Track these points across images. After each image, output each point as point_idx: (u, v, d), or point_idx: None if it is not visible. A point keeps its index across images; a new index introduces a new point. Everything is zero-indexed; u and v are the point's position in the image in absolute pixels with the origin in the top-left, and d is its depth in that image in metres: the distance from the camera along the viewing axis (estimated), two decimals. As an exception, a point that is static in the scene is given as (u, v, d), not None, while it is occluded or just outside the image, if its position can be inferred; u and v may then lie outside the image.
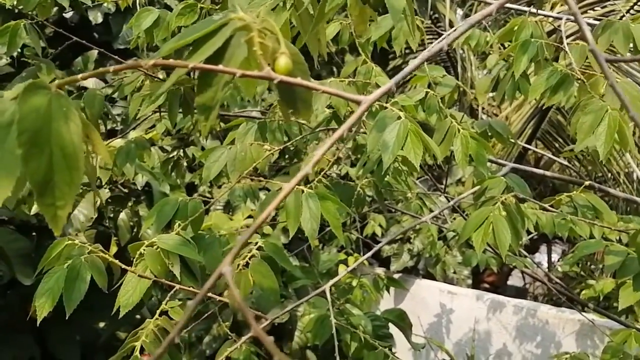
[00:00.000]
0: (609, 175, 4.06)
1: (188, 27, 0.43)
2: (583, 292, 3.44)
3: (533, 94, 1.24)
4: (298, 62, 0.41)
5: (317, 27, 0.62)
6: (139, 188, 2.33)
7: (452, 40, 0.45)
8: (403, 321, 2.07)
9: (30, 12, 1.45)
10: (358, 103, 0.39)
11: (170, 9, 3.24)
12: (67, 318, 1.00)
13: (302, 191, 1.15)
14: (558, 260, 5.69)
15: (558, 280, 2.32)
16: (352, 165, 3.44)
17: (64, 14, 3.08)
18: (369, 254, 1.39)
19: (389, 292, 2.41)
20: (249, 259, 1.09)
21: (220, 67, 0.39)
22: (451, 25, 4.13)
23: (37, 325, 1.05)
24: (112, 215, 2.33)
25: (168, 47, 0.43)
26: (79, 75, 0.44)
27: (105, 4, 2.83)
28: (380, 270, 4.08)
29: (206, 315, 1.65)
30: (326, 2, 0.56)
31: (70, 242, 1.10)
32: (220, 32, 0.41)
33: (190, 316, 0.34)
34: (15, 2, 1.36)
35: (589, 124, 1.06)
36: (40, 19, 1.41)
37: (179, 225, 1.19)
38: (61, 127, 0.42)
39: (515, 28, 1.31)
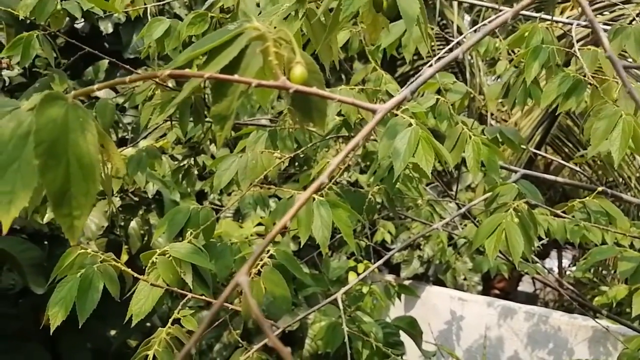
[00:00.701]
0: (620, 180, 4.03)
1: (203, 37, 0.43)
2: (596, 298, 3.41)
3: (545, 101, 1.24)
4: (313, 71, 0.41)
5: (329, 36, 0.62)
6: (150, 196, 2.34)
7: (467, 48, 0.45)
8: (414, 328, 2.06)
9: (42, 23, 1.46)
10: (373, 112, 0.39)
11: (180, 18, 3.27)
12: (81, 327, 1.00)
13: (314, 199, 1.15)
14: (569, 266, 5.65)
15: (570, 287, 2.30)
16: (362, 172, 3.44)
17: (75, 25, 3.11)
18: (380, 261, 1.39)
19: (399, 299, 2.40)
20: (261, 267, 1.09)
21: (236, 77, 0.39)
22: (459, 31, 4.13)
23: (49, 333, 1.05)
24: (123, 223, 2.34)
25: (183, 57, 0.43)
26: (95, 86, 0.45)
27: (115, 14, 2.85)
28: (390, 277, 4.06)
29: (217, 323, 1.65)
30: (339, 12, 0.56)
31: (82, 251, 1.11)
32: (235, 41, 0.41)
33: (207, 326, 0.33)
34: (28, 14, 1.37)
35: (603, 129, 1.05)
36: (53, 30, 1.43)
37: (191, 233, 1.19)
38: (78, 138, 0.42)
39: (526, 34, 1.31)
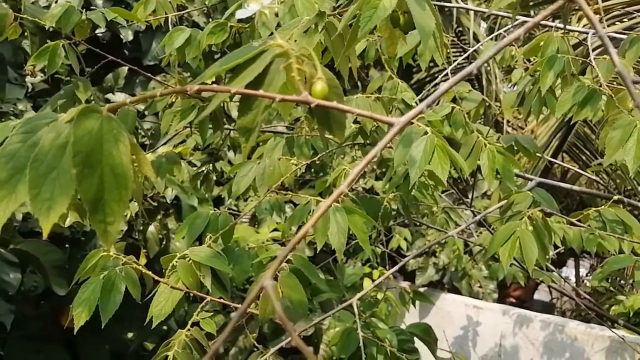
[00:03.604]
0: (639, 188, 3.99)
1: (229, 53, 0.45)
2: (612, 307, 3.37)
3: (560, 110, 1.24)
4: (333, 86, 0.44)
5: (348, 50, 0.64)
6: (168, 201, 2.38)
7: (482, 63, 0.47)
8: (429, 335, 2.06)
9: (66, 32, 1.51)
10: (391, 125, 0.41)
11: (199, 26, 3.31)
12: (100, 327, 1.03)
13: (330, 205, 1.17)
14: (586, 275, 5.59)
15: (586, 296, 2.29)
16: (377, 178, 3.45)
17: (96, 32, 3.18)
18: (395, 268, 1.40)
19: (414, 306, 2.41)
20: (278, 271, 1.11)
21: (261, 92, 0.41)
22: (475, 38, 4.13)
23: (70, 334, 1.08)
24: (141, 227, 2.38)
25: (211, 72, 0.46)
26: (128, 100, 0.47)
27: (136, 22, 2.90)
28: (405, 284, 4.06)
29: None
30: (358, 27, 0.58)
31: (105, 253, 1.14)
32: (260, 58, 0.43)
33: (233, 329, 0.36)
34: (54, 24, 1.41)
35: (617, 139, 1.06)
36: (78, 40, 1.47)
37: (210, 238, 1.22)
38: (112, 149, 0.45)
39: (541, 44, 1.32)
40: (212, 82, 0.57)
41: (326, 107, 0.41)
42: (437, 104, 1.52)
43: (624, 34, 1.43)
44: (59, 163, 0.44)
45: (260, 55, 0.44)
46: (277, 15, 1.35)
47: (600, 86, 1.25)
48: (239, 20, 1.48)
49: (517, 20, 1.48)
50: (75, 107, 0.46)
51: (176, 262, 1.10)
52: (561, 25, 1.34)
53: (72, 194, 0.43)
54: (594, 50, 1.44)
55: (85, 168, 0.44)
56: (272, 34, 0.94)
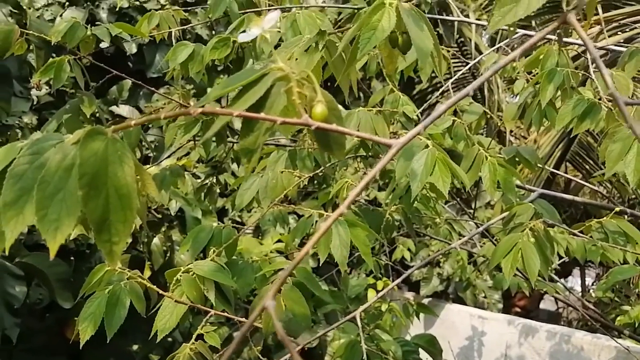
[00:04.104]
0: (643, 197, 3.98)
1: (232, 75, 0.47)
2: (618, 318, 3.36)
3: (560, 123, 1.25)
4: (333, 108, 0.45)
5: (348, 69, 0.65)
6: (172, 213, 2.39)
7: (480, 83, 0.48)
8: (433, 347, 2.06)
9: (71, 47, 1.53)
10: (389, 146, 0.42)
11: (202, 38, 3.32)
12: (105, 340, 1.04)
13: (330, 225, 1.18)
14: (592, 284, 5.56)
15: (591, 306, 2.28)
16: (380, 189, 3.46)
17: (100, 45, 3.21)
18: (399, 279, 1.41)
19: (418, 318, 2.40)
20: (281, 285, 1.11)
21: (263, 115, 0.43)
22: (477, 49, 4.15)
23: (75, 347, 1.09)
24: (145, 240, 2.39)
25: (215, 94, 0.47)
26: (132, 122, 0.48)
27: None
28: (409, 295, 4.05)
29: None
30: (358, 48, 0.59)
31: (110, 267, 1.15)
32: (261, 81, 0.45)
33: (239, 344, 0.37)
34: (60, 39, 1.43)
35: (617, 152, 1.07)
36: (83, 54, 1.49)
37: (214, 251, 1.22)
38: (117, 170, 0.46)
39: (541, 57, 1.33)
40: (216, 101, 0.58)
41: (326, 130, 0.42)
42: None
43: (624, 45, 1.44)
44: (65, 184, 0.45)
45: (262, 78, 0.45)
46: (279, 30, 1.36)
47: (600, 99, 1.26)
48: (242, 35, 1.50)
49: (516, 33, 1.49)
50: (81, 127, 0.47)
51: (180, 276, 1.11)
52: (557, 39, 1.36)
53: (78, 215, 0.44)
54: (592, 62, 1.45)
55: (91, 190, 0.45)
56: (275, 48, 0.95)
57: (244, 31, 1.25)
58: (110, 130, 0.48)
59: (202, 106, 0.46)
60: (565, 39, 1.44)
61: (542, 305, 5.48)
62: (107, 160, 0.46)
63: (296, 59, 0.73)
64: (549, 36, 1.56)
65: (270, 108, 0.43)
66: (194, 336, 1.11)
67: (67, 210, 0.44)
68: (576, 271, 5.54)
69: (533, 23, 3.79)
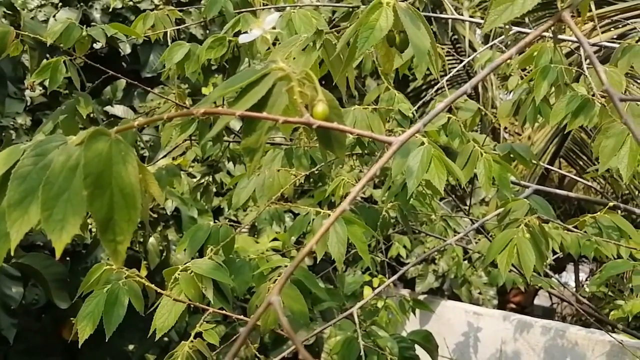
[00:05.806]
0: (636, 192, 4.01)
1: (233, 76, 0.47)
2: (612, 312, 3.39)
3: (554, 120, 1.27)
4: (334, 107, 0.45)
5: (346, 69, 0.66)
6: (168, 213, 2.39)
7: (475, 83, 0.49)
8: (429, 343, 2.07)
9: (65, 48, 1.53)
10: (389, 144, 0.43)
11: (196, 38, 3.31)
12: (102, 340, 1.04)
13: (329, 216, 1.19)
14: (586, 279, 5.60)
15: (586, 301, 2.30)
16: (375, 187, 3.47)
17: (94, 45, 3.21)
18: (395, 276, 1.42)
19: (414, 314, 2.42)
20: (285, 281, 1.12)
21: (265, 114, 0.43)
22: (471, 46, 4.17)
23: (71, 347, 1.09)
24: (141, 239, 2.39)
25: (216, 95, 0.48)
26: (135, 122, 0.49)
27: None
28: (405, 292, 4.07)
29: (235, 337, 1.68)
30: (355, 48, 0.60)
31: (108, 267, 1.15)
32: (263, 81, 0.45)
33: (243, 344, 0.37)
34: (55, 40, 1.43)
35: (610, 148, 1.08)
36: (78, 55, 1.49)
37: (211, 250, 1.23)
38: (121, 170, 0.46)
39: (535, 54, 1.34)
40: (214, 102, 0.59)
41: (327, 128, 0.43)
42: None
43: (617, 42, 1.46)
44: (70, 185, 0.45)
45: (263, 78, 0.46)
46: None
47: (594, 95, 1.27)
48: (236, 35, 1.50)
49: (511, 31, 1.50)
50: (77, 127, 0.48)
51: (178, 274, 1.11)
52: (551, 36, 1.36)
53: (83, 215, 0.45)
54: (586, 59, 1.46)
55: (96, 189, 0.45)
56: (271, 47, 0.96)
57: (243, 32, 1.26)
58: (113, 132, 0.48)
59: (206, 106, 0.47)
60: (559, 36, 1.45)
61: (536, 301, 5.51)
62: (111, 161, 0.46)
63: (294, 58, 0.74)
64: (542, 33, 1.57)
65: (272, 107, 0.44)
66: (193, 334, 1.12)
67: (73, 210, 0.45)
68: (570, 267, 5.57)
69: (526, 20, 3.80)
